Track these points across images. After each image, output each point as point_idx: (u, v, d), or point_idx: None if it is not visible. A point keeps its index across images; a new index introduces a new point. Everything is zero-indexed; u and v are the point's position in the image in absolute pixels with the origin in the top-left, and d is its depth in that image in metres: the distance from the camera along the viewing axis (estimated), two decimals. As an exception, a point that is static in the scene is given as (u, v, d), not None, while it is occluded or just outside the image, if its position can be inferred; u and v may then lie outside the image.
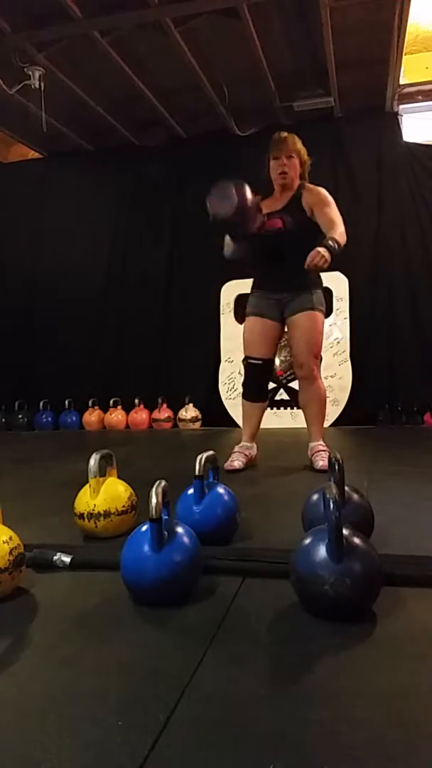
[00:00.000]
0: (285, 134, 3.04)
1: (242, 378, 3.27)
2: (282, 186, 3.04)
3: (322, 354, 5.19)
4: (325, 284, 5.13)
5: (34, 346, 6.21)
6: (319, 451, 3.02)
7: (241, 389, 3.28)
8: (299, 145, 3.05)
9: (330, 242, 2.77)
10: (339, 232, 2.84)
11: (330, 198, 3.01)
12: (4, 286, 6.39)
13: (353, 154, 5.58)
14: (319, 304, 3.06)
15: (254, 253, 3.04)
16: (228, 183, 2.79)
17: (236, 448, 3.13)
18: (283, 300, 3.06)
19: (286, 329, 3.16)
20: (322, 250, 2.73)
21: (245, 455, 3.10)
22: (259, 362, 3.10)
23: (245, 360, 3.17)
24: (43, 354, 6.14)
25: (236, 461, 3.04)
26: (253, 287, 3.22)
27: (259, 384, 3.18)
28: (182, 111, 5.50)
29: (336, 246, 2.78)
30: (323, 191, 3.02)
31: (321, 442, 3.08)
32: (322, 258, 2.72)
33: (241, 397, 3.26)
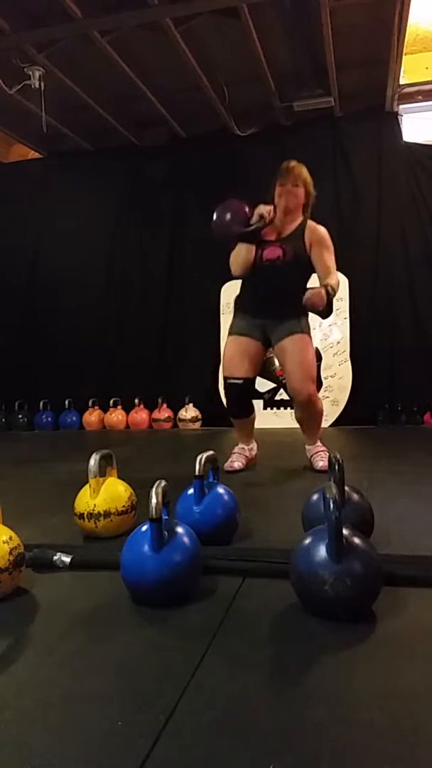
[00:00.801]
0: (294, 163, 3.00)
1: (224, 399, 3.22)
2: (285, 210, 2.98)
3: (323, 354, 5.25)
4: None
5: (34, 346, 6.21)
6: (318, 452, 3.02)
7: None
8: (306, 174, 3.00)
9: (329, 288, 2.78)
10: (336, 282, 2.87)
11: (330, 243, 3.01)
12: (4, 286, 6.39)
13: (353, 154, 5.58)
14: (307, 328, 3.03)
15: (247, 279, 3.04)
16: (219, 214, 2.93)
17: (236, 449, 3.13)
18: (268, 325, 3.01)
19: (270, 354, 3.10)
20: (323, 291, 2.72)
21: (245, 456, 3.10)
22: (239, 381, 3.01)
23: (225, 380, 3.09)
24: (43, 354, 6.14)
25: (236, 462, 3.04)
26: (237, 308, 3.15)
27: (241, 403, 3.10)
28: (182, 111, 5.50)
29: (333, 293, 2.80)
30: (326, 233, 3.01)
31: (318, 444, 3.07)
32: (321, 300, 2.71)
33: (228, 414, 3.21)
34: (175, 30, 4.13)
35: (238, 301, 3.17)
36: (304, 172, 3.00)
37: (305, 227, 3.00)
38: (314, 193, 3.06)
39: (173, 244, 6.04)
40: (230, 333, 3.12)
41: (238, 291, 3.21)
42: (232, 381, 3.04)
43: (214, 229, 2.98)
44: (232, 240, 2.97)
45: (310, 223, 3.03)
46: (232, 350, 3.07)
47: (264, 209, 2.91)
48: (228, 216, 2.94)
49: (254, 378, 3.11)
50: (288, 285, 2.89)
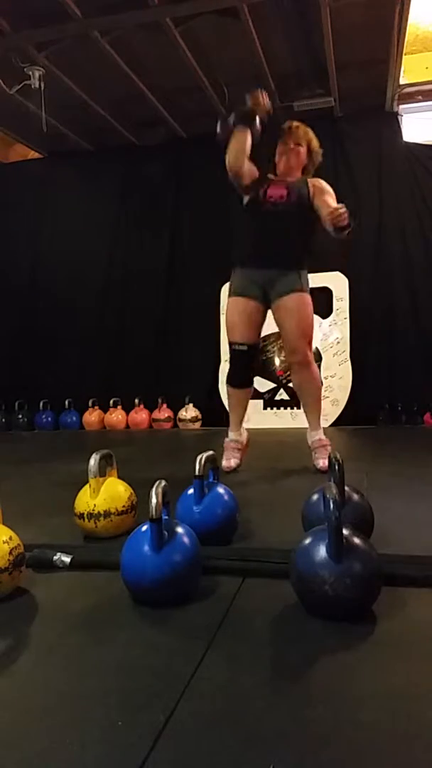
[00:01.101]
0: (296, 123, 2.99)
1: (228, 364, 3.18)
2: (286, 167, 2.97)
3: (323, 354, 5.25)
4: (325, 284, 5.19)
5: (34, 346, 6.21)
6: (320, 446, 2.98)
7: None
8: (310, 134, 2.99)
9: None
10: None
11: (332, 190, 3.00)
12: (4, 286, 6.39)
13: (353, 154, 5.58)
14: (307, 285, 2.98)
15: (248, 221, 2.99)
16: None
17: (228, 445, 3.08)
18: (269, 279, 2.94)
19: (272, 314, 3.04)
20: (342, 208, 2.63)
21: (238, 449, 3.07)
22: (244, 348, 2.98)
23: (230, 346, 3.05)
24: (43, 354, 6.14)
25: (232, 459, 3.02)
26: (236, 264, 3.06)
27: (245, 369, 3.06)
28: (182, 111, 5.51)
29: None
30: (327, 184, 3.01)
31: (321, 434, 3.04)
32: (345, 212, 2.62)
33: (226, 384, 3.17)
34: (175, 30, 4.13)
35: (237, 252, 3.10)
36: (309, 132, 2.99)
37: (307, 180, 2.99)
38: (320, 152, 3.03)
39: (173, 244, 6.04)
40: (230, 294, 3.06)
41: (236, 240, 3.13)
42: (238, 348, 3.01)
43: (218, 135, 2.86)
44: (231, 127, 2.86)
45: (311, 178, 3.02)
46: (234, 314, 3.02)
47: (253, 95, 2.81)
48: (223, 117, 2.89)
49: (257, 344, 3.08)
50: (290, 230, 2.84)
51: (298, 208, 2.91)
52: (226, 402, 5.40)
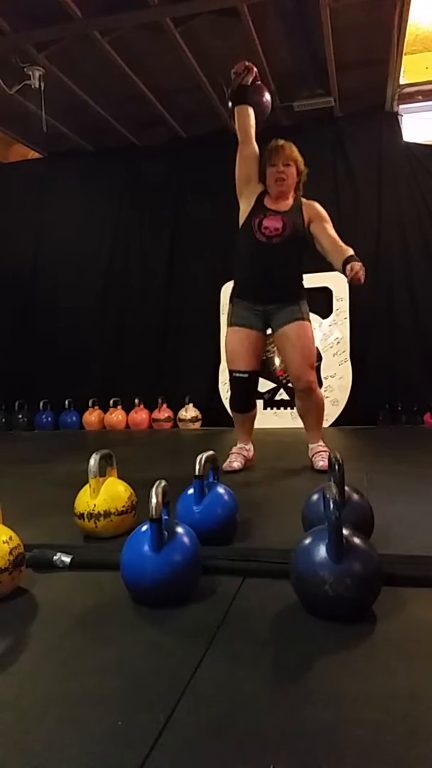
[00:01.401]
0: (282, 142, 2.98)
1: (229, 392, 3.23)
2: (279, 193, 2.98)
3: (323, 354, 5.25)
4: (325, 284, 5.19)
5: (34, 346, 6.21)
6: (319, 451, 3.02)
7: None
8: (296, 153, 2.99)
9: (356, 257, 2.74)
10: (352, 251, 2.82)
11: (327, 216, 3.02)
12: (4, 286, 6.39)
13: (353, 154, 5.58)
14: (307, 314, 3.02)
15: (243, 251, 3.01)
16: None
17: (234, 449, 3.13)
18: (268, 311, 2.99)
19: (271, 343, 3.11)
20: (359, 265, 2.67)
21: (243, 456, 3.10)
22: (245, 375, 3.02)
23: (231, 374, 3.08)
24: (43, 354, 6.14)
25: (235, 462, 3.04)
26: (234, 296, 3.10)
27: (247, 396, 3.11)
28: (182, 111, 5.50)
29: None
30: (322, 208, 3.03)
31: (321, 443, 3.08)
32: (363, 270, 2.67)
33: (230, 408, 3.23)
34: (175, 30, 4.13)
35: (236, 287, 3.11)
36: (294, 150, 2.99)
37: (301, 204, 3.00)
38: (306, 170, 3.04)
39: (173, 244, 6.04)
40: (230, 324, 3.08)
41: (235, 273, 3.14)
42: (238, 375, 3.03)
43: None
44: (231, 110, 3.05)
45: (304, 200, 3.04)
46: (234, 343, 3.04)
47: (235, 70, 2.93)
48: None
49: (258, 370, 3.11)
50: (286, 265, 2.88)
51: (292, 241, 2.93)
52: (226, 403, 5.46)
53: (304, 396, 3.03)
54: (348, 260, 2.73)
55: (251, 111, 3.01)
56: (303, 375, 2.95)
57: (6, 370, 6.19)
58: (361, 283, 2.71)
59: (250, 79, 2.94)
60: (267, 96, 3.06)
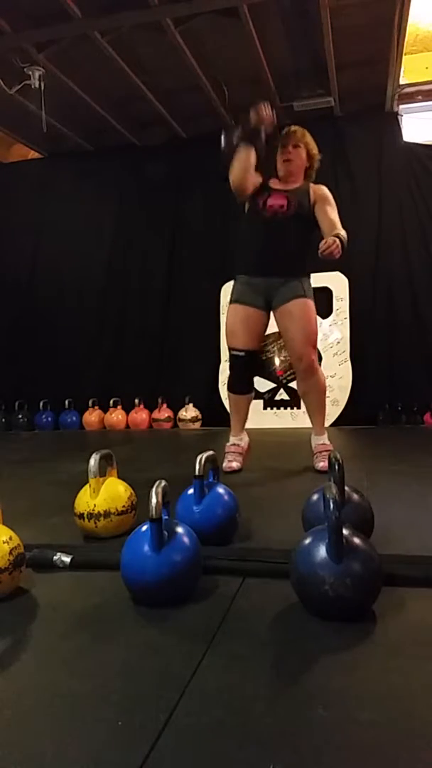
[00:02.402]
0: (295, 127, 3.01)
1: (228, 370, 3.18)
2: (287, 173, 2.97)
3: (323, 354, 5.24)
4: (325, 284, 5.19)
5: (34, 346, 6.21)
6: (322, 451, 2.97)
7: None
8: (308, 137, 3.00)
9: (341, 237, 2.74)
10: (344, 234, 2.82)
11: (333, 201, 3.02)
12: (4, 286, 6.39)
13: (353, 154, 5.58)
14: (310, 292, 2.99)
15: (248, 230, 3.01)
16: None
17: (229, 448, 3.09)
18: (271, 286, 2.95)
19: (272, 319, 3.05)
20: (337, 240, 2.68)
21: (239, 453, 3.07)
22: (242, 353, 2.99)
23: (229, 351, 3.06)
24: (43, 354, 6.14)
25: (234, 462, 3.02)
26: (238, 272, 3.07)
27: (245, 376, 3.07)
28: (182, 111, 5.51)
29: (345, 242, 2.76)
30: (329, 192, 3.03)
31: (325, 439, 3.04)
32: (337, 247, 2.67)
33: (226, 390, 3.18)
34: (175, 30, 4.13)
35: (239, 262, 3.10)
36: (306, 135, 3.00)
37: (309, 186, 3.01)
38: (319, 157, 3.04)
39: (173, 244, 6.04)
40: (231, 301, 3.06)
41: (239, 248, 3.13)
42: (236, 353, 3.01)
43: (222, 154, 2.85)
44: (234, 145, 2.85)
45: (313, 184, 3.04)
46: (234, 320, 3.02)
47: (257, 110, 2.78)
48: (227, 132, 2.88)
49: (257, 350, 3.08)
50: (291, 240, 2.86)
51: (297, 218, 2.92)
52: (226, 403, 5.45)
53: (306, 376, 2.99)
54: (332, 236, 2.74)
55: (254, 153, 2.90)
56: (304, 354, 2.92)
57: (6, 370, 6.19)
58: (335, 258, 2.69)
59: (270, 130, 2.85)
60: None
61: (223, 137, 2.86)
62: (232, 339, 3.02)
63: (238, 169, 2.86)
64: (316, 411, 3.07)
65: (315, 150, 3.03)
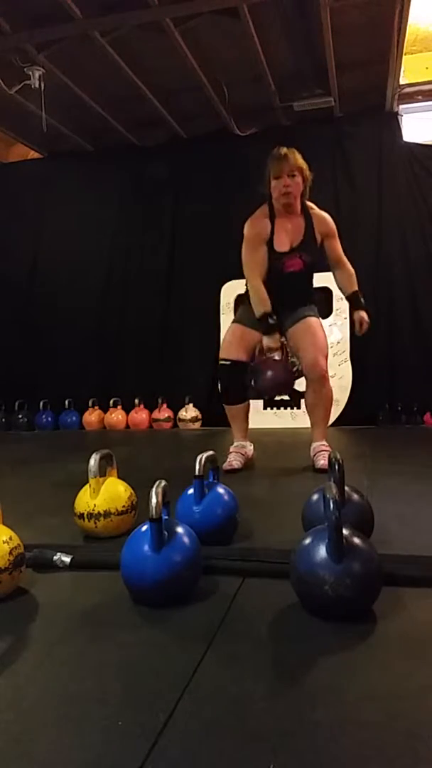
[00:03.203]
0: (285, 150, 2.93)
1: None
2: (285, 206, 2.98)
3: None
4: (325, 284, 5.17)
5: (34, 346, 6.21)
6: (321, 450, 2.99)
7: None
8: (301, 160, 2.97)
9: (359, 296, 3.12)
10: (353, 277, 3.11)
11: (335, 227, 3.11)
12: (4, 285, 6.39)
13: (353, 154, 5.58)
14: (317, 314, 3.12)
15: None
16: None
17: (232, 448, 3.12)
18: (281, 318, 3.04)
19: (286, 342, 3.12)
20: (365, 315, 3.08)
21: (242, 454, 3.09)
22: (228, 363, 3.08)
23: (219, 363, 3.17)
24: (43, 354, 6.14)
25: (235, 461, 3.04)
26: (246, 301, 3.15)
27: (232, 386, 3.12)
28: (182, 111, 5.50)
29: (361, 296, 3.14)
30: (331, 221, 3.09)
31: (324, 442, 3.06)
32: (367, 323, 3.09)
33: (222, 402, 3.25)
34: (175, 30, 4.13)
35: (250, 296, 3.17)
36: (298, 158, 2.97)
37: (312, 221, 3.03)
38: (311, 176, 3.05)
39: (173, 244, 6.03)
40: (235, 320, 3.18)
41: (240, 291, 3.30)
42: (223, 362, 3.12)
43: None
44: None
45: (314, 213, 3.06)
46: (231, 336, 3.15)
47: (269, 343, 2.95)
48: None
49: (244, 362, 3.09)
50: (301, 286, 3.03)
51: (309, 267, 3.08)
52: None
53: (317, 387, 3.02)
54: (354, 301, 3.15)
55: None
56: (317, 363, 2.96)
57: (6, 370, 6.18)
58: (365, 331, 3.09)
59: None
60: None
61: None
62: (223, 351, 3.15)
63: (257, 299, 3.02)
64: (321, 422, 3.11)
65: (308, 171, 3.02)
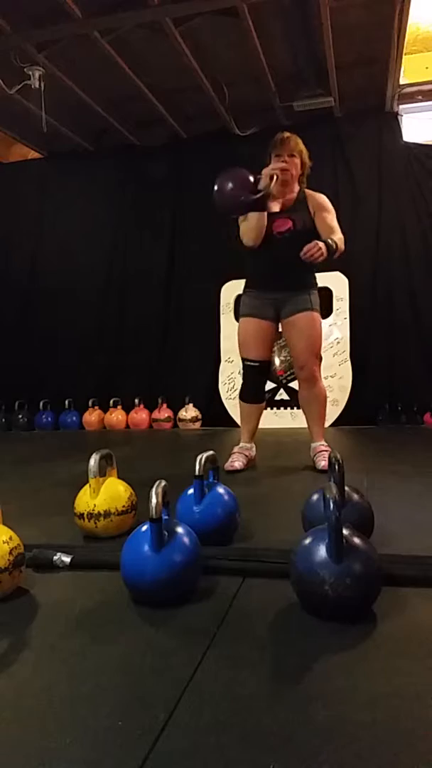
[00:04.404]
0: (287, 134, 3.02)
1: (241, 379, 3.26)
2: (282, 183, 2.97)
3: (322, 354, 5.24)
4: (325, 284, 5.18)
5: (34, 345, 6.21)
6: (321, 451, 3.01)
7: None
8: (301, 145, 3.03)
9: (329, 240, 2.83)
10: (339, 237, 2.92)
11: (331, 206, 3.05)
12: (4, 285, 6.39)
13: (353, 154, 5.57)
14: (317, 305, 3.07)
15: (256, 253, 3.03)
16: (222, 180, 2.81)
17: (236, 449, 3.13)
18: (279, 299, 3.03)
19: (281, 330, 3.14)
20: (321, 243, 2.77)
21: (245, 456, 3.10)
22: (257, 364, 3.09)
23: (243, 362, 3.15)
24: (43, 354, 6.14)
25: (237, 462, 3.04)
26: (247, 286, 3.17)
27: (257, 386, 3.16)
28: (182, 111, 5.50)
29: (334, 246, 2.84)
30: (326, 198, 3.06)
31: (323, 442, 3.08)
32: (319, 251, 2.75)
33: (239, 399, 3.24)
34: (175, 30, 4.12)
35: (249, 278, 3.18)
36: (299, 142, 3.02)
37: (305, 196, 3.03)
38: (310, 164, 3.07)
39: (173, 244, 6.03)
40: (242, 314, 3.15)
41: (239, 291, 3.23)
42: (250, 363, 3.09)
43: (219, 202, 2.81)
44: (243, 210, 2.89)
45: (308, 191, 3.06)
46: (246, 332, 3.10)
47: (270, 170, 2.82)
48: (231, 185, 2.81)
49: (269, 360, 3.15)
50: (297, 255, 2.86)
51: (302, 234, 2.95)
52: (226, 403, 5.46)
53: (307, 386, 3.06)
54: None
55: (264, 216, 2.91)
56: (307, 363, 2.99)
57: (6, 370, 6.18)
58: (317, 262, 2.77)
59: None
60: None
61: (223, 190, 2.80)
62: (246, 349, 3.11)
63: (255, 234, 2.93)
64: (316, 420, 3.13)
65: (307, 157, 3.06)
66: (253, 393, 3.16)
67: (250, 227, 2.94)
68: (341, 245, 2.90)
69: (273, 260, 3.00)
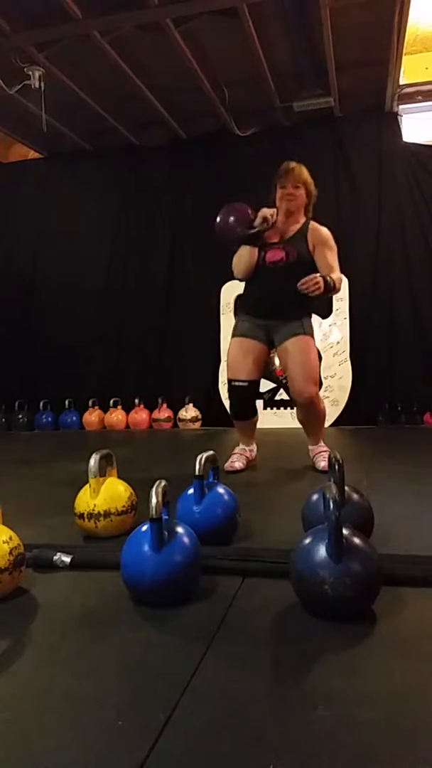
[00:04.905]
0: (293, 164, 2.99)
1: (228, 401, 3.22)
2: (287, 212, 2.98)
3: (323, 354, 5.25)
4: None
5: (34, 346, 6.21)
6: (321, 451, 3.01)
7: None
8: (306, 175, 3.00)
9: (328, 278, 2.83)
10: (337, 277, 2.92)
11: (333, 243, 3.03)
12: (4, 286, 6.38)
13: (353, 154, 5.57)
14: (310, 330, 3.02)
15: (251, 280, 3.05)
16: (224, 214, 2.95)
17: (237, 450, 3.13)
18: (271, 326, 3.00)
19: (273, 354, 3.11)
20: (319, 278, 2.77)
21: (246, 456, 3.10)
22: (245, 384, 3.00)
23: (229, 383, 3.06)
24: (43, 354, 6.14)
25: (237, 462, 3.04)
26: (239, 312, 3.17)
27: (246, 405, 3.09)
28: (182, 111, 5.50)
29: (332, 284, 2.84)
30: (329, 234, 3.02)
31: (321, 444, 3.08)
32: (317, 285, 2.74)
33: (231, 418, 3.20)
34: (175, 30, 4.12)
35: (242, 303, 3.17)
36: (305, 172, 3.00)
37: (308, 229, 3.00)
38: (315, 193, 3.06)
39: (173, 245, 6.03)
40: (234, 335, 3.12)
41: (239, 291, 3.21)
42: (237, 383, 3.02)
43: (218, 231, 2.97)
44: (236, 242, 2.97)
45: (313, 224, 3.03)
46: (236, 352, 3.05)
47: (267, 212, 2.90)
48: (232, 218, 2.94)
49: (259, 380, 3.11)
50: (291, 286, 2.85)
51: (297, 266, 2.92)
52: (226, 403, 5.44)
53: (305, 409, 3.02)
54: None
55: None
56: (304, 390, 2.92)
57: (6, 370, 6.18)
58: (309, 293, 2.77)
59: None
60: None
61: (222, 222, 2.95)
62: (234, 370, 3.03)
63: (243, 267, 3.00)
64: (315, 433, 3.11)
65: (312, 187, 3.04)
66: (244, 412, 3.10)
67: (241, 260, 2.99)
68: (339, 285, 2.93)
69: (265, 289, 3.00)
